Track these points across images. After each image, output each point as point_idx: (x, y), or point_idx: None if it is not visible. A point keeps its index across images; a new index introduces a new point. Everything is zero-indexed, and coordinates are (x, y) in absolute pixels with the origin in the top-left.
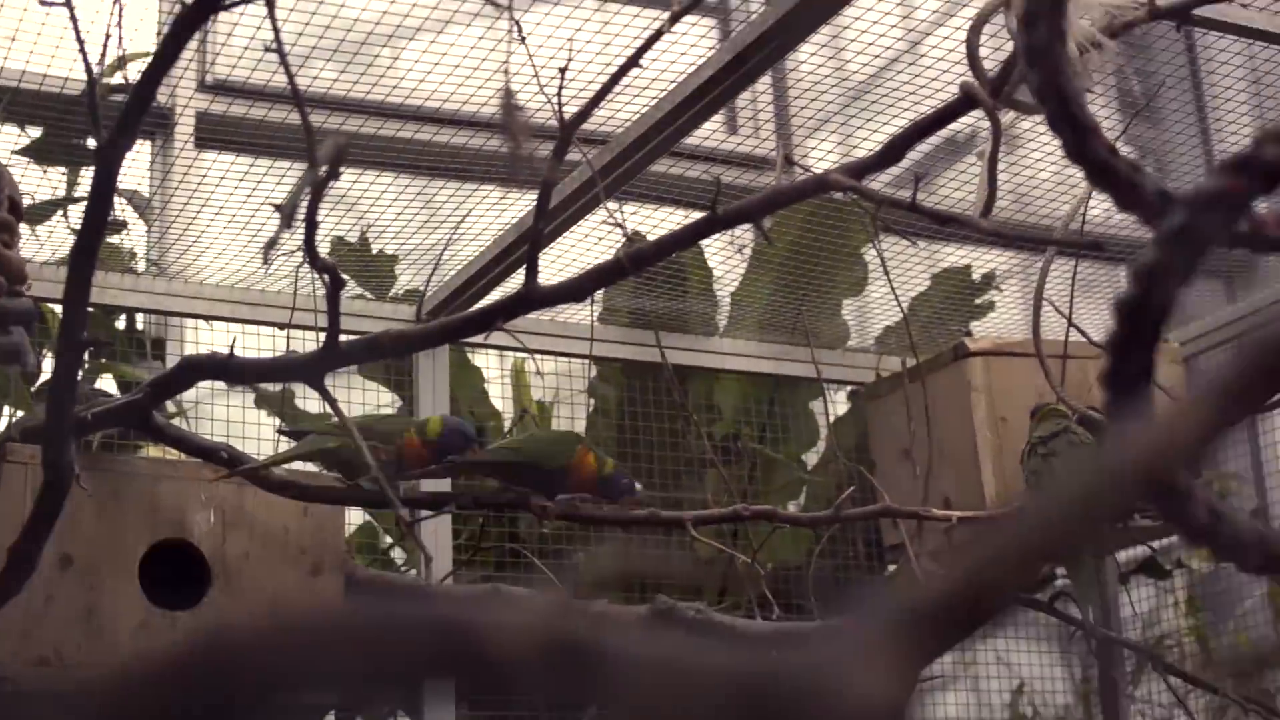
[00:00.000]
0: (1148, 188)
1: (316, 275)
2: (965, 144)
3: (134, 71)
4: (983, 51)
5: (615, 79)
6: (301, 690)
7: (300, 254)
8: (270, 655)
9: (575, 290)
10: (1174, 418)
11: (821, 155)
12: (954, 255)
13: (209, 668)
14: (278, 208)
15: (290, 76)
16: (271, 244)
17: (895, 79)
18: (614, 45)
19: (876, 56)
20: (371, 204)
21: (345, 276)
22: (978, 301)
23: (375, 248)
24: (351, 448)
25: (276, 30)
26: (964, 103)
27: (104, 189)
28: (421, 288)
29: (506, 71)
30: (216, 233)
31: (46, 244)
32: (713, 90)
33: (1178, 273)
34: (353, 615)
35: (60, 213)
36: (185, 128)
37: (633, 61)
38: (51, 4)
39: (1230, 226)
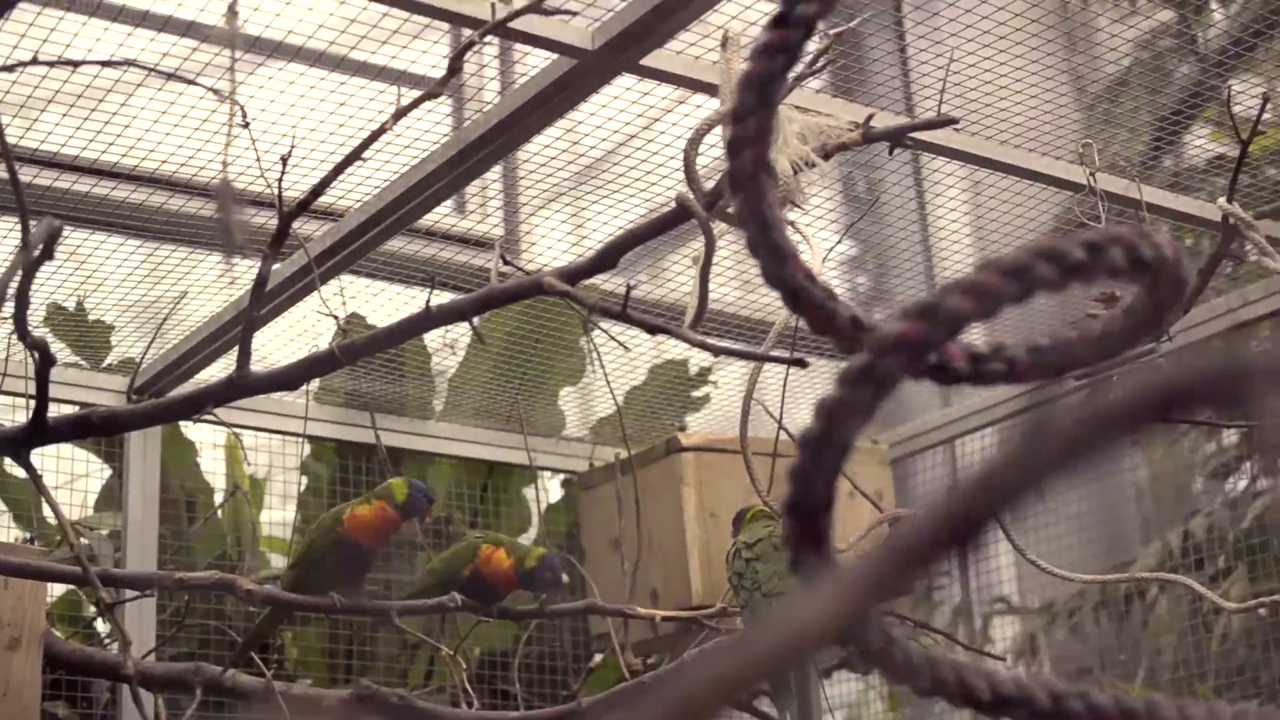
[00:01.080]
0: (841, 315)
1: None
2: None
3: None
4: (705, 161)
5: (334, 173)
6: None
7: (10, 325)
8: None
9: (287, 379)
10: (856, 574)
11: (551, 231)
12: (670, 347)
13: None
14: None
15: (3, 141)
16: None
17: (627, 159)
18: (346, 108)
19: (608, 137)
20: (87, 263)
21: (59, 345)
22: (694, 394)
23: (92, 314)
24: None
25: None
26: (679, 213)
27: None
28: (137, 358)
29: (225, 164)
30: None
31: None
32: (440, 180)
33: (861, 410)
34: None
35: None
36: None
37: (354, 156)
38: None
39: (912, 368)
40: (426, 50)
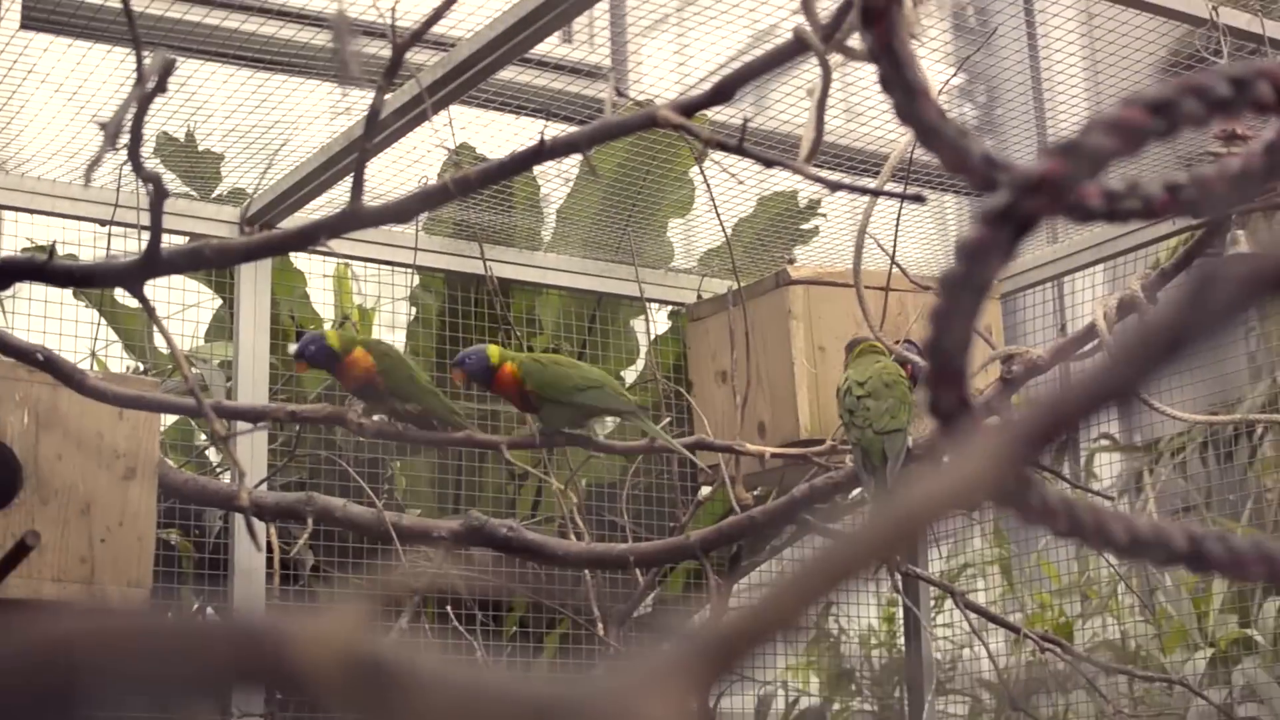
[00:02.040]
0: (973, 153)
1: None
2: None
3: None
4: None
5: (449, 2)
6: (110, 693)
7: (125, 156)
8: (78, 658)
9: (400, 212)
10: (988, 451)
11: (656, 62)
12: (781, 178)
13: (14, 665)
14: (102, 126)
15: None
16: (94, 164)
17: None
18: None
19: None
20: (197, 94)
21: (169, 176)
22: (803, 227)
23: (202, 144)
24: None
25: None
26: (795, 46)
27: None
28: (248, 188)
29: None
30: (44, 121)
31: None
32: (551, 10)
33: (1000, 250)
34: (161, 621)
35: None
36: (11, 10)
37: None
38: None
39: (1053, 207)
40: None
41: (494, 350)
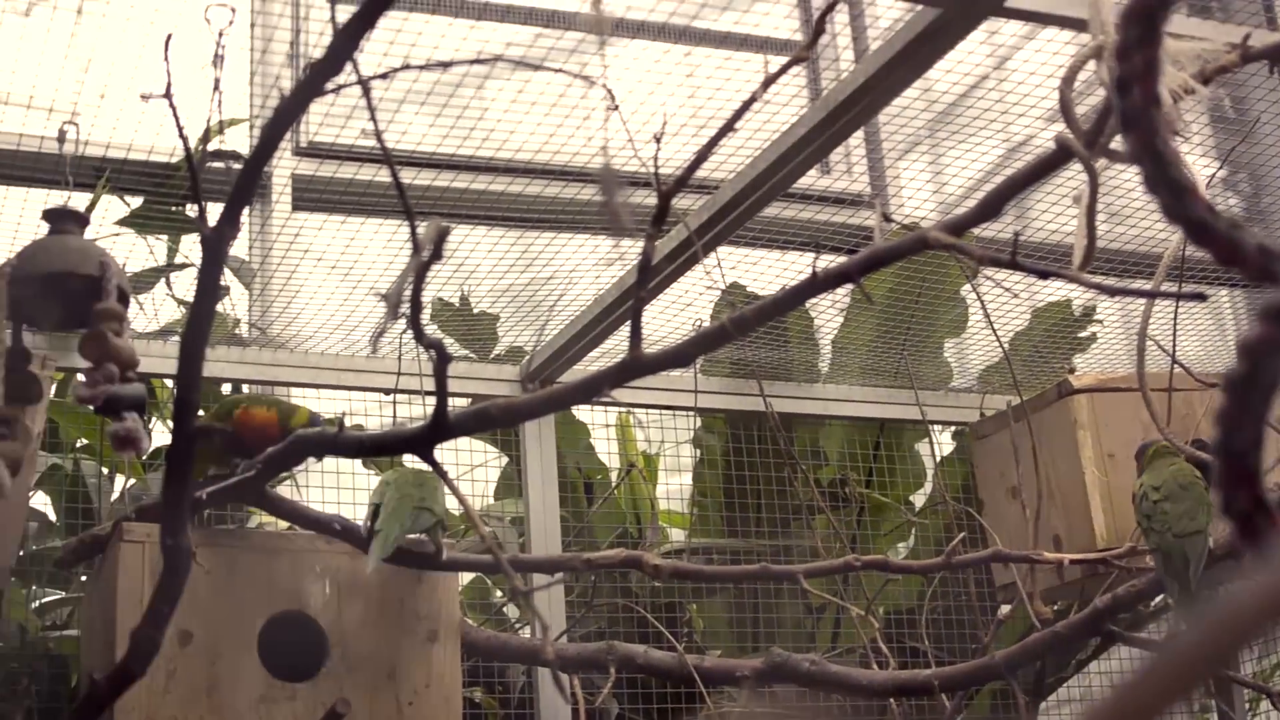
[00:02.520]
0: (1248, 245)
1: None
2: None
3: (231, 139)
4: (1073, 96)
5: (709, 146)
6: None
7: (404, 325)
8: None
9: (679, 357)
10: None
11: (913, 178)
12: (1053, 289)
13: None
14: (383, 297)
15: (384, 148)
16: (379, 335)
17: (981, 99)
18: (704, 88)
19: (965, 75)
20: (468, 259)
21: (448, 341)
22: (1080, 335)
23: (476, 307)
24: None
25: (373, 111)
26: (1060, 155)
27: (210, 277)
28: (525, 345)
29: (604, 146)
30: (323, 299)
31: (150, 315)
32: (807, 146)
33: None
34: None
35: (162, 281)
36: (283, 193)
37: (727, 128)
38: (151, 97)
39: None
40: (768, 13)
41: None
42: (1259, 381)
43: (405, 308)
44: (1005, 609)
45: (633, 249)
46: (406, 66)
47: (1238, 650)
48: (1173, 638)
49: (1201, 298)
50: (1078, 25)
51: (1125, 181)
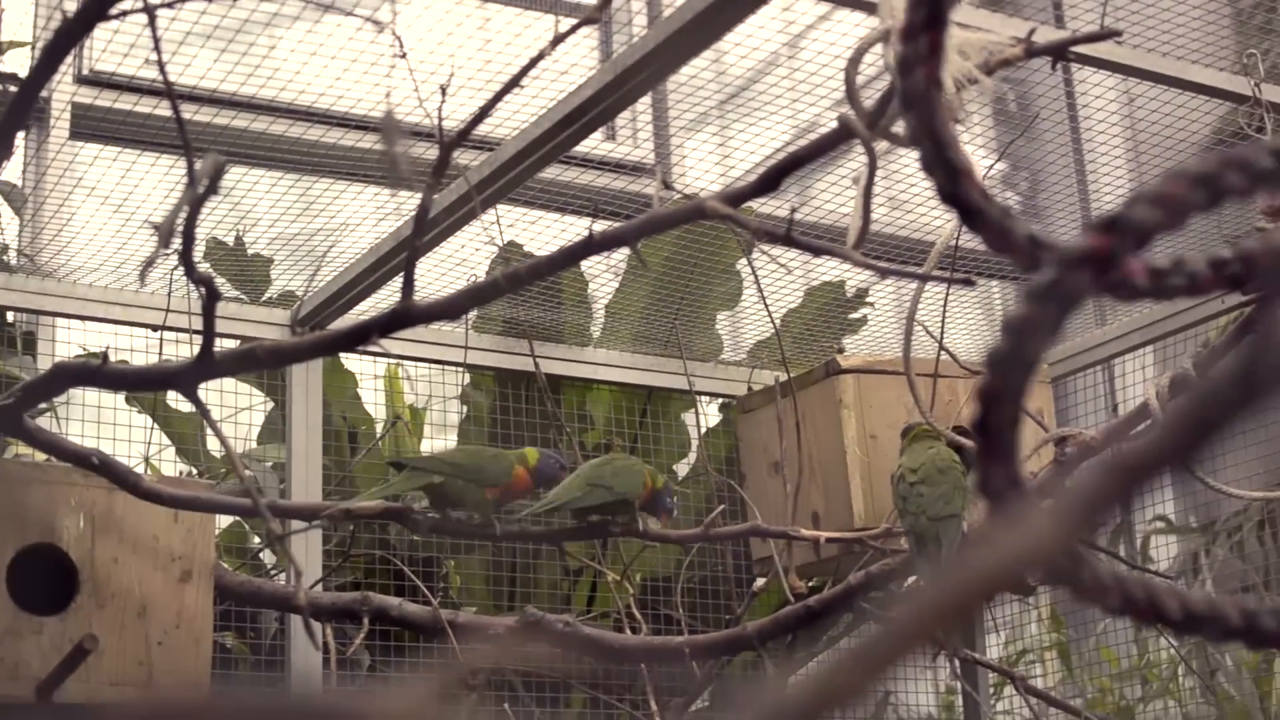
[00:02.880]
0: (1018, 233)
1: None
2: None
3: (10, 62)
4: (861, 78)
5: (494, 101)
6: None
7: (175, 260)
8: None
9: (451, 309)
10: (1040, 526)
11: (700, 156)
12: (827, 269)
13: None
14: (155, 227)
15: (165, 76)
16: (148, 265)
17: (773, 81)
18: (495, 43)
19: (757, 53)
20: (244, 199)
21: (219, 280)
22: (851, 316)
23: (251, 249)
24: (457, 483)
25: (156, 41)
26: (841, 133)
27: None
28: (297, 291)
29: (389, 94)
30: (94, 230)
31: None
32: (593, 108)
33: (1046, 327)
34: (235, 698)
35: None
36: (61, 120)
37: (512, 83)
38: None
39: (1098, 283)
40: None
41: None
42: (1020, 360)
43: (178, 241)
44: (760, 581)
45: (411, 201)
46: None
47: (968, 615)
48: (901, 603)
49: (970, 283)
50: (869, 8)
51: (906, 169)
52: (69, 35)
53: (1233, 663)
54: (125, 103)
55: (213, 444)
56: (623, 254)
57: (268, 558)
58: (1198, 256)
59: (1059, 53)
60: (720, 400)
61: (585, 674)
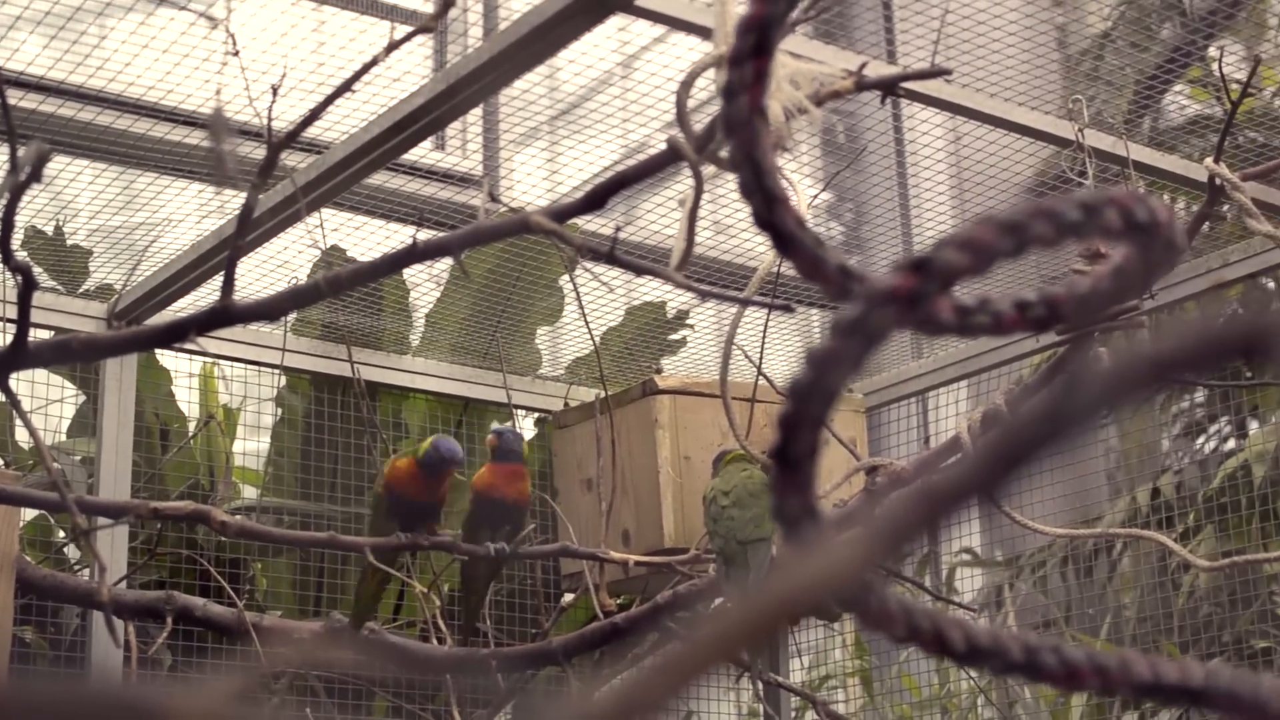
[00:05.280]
0: (830, 263)
1: (9, 273)
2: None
3: None
4: (693, 103)
5: (324, 104)
6: None
7: None
8: None
9: (271, 309)
10: (838, 552)
11: (529, 170)
12: (649, 289)
13: None
14: None
15: None
16: None
17: (605, 101)
18: (328, 46)
19: (591, 72)
20: (66, 189)
21: (37, 271)
22: (671, 338)
23: (70, 240)
24: None
25: None
26: (669, 155)
27: None
28: (115, 284)
29: (219, 90)
30: None
31: None
32: (424, 117)
33: (849, 361)
34: (33, 690)
35: None
36: None
37: (344, 87)
38: None
39: (904, 319)
40: None
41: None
42: (821, 392)
43: None
44: (569, 597)
45: (236, 200)
46: None
47: (765, 635)
48: (705, 622)
49: (789, 309)
50: (704, 33)
51: (732, 194)
52: None
53: (1031, 695)
54: None
55: (21, 435)
56: (445, 264)
57: (72, 553)
58: (1003, 297)
59: (889, 88)
60: (536, 415)
61: (389, 682)
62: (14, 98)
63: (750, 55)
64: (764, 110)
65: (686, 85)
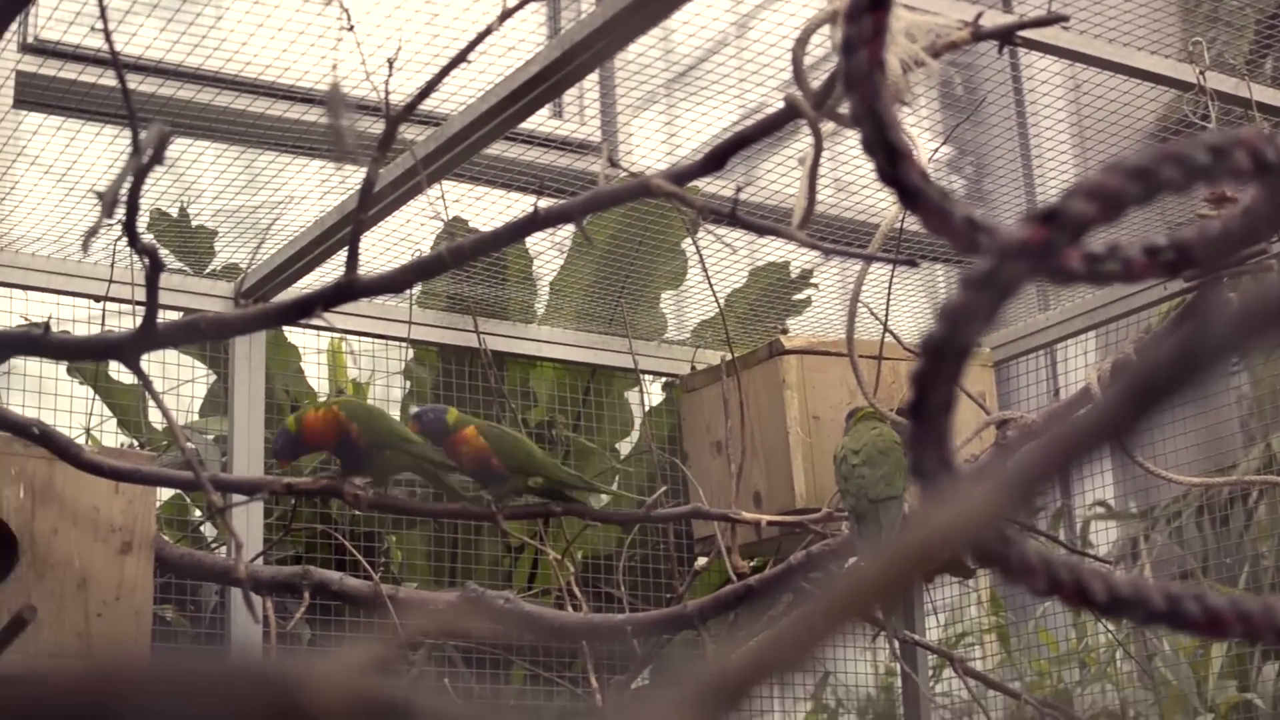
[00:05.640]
0: (957, 216)
1: (136, 255)
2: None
3: None
4: (809, 60)
5: (441, 75)
6: None
7: (120, 230)
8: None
9: (395, 282)
10: (972, 503)
11: (647, 136)
12: (772, 249)
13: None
14: (100, 196)
15: (112, 46)
16: (92, 233)
17: (721, 63)
18: (442, 16)
19: (705, 36)
20: (188, 171)
21: (164, 253)
22: (795, 297)
23: (195, 221)
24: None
25: (103, 6)
26: (787, 113)
27: None
28: (241, 263)
29: (335, 66)
30: (37, 200)
31: None
32: (541, 84)
33: (982, 315)
34: (174, 666)
35: None
36: (4, 89)
37: (460, 57)
38: None
39: (1034, 272)
40: None
41: (453, 413)
42: (955, 347)
43: (121, 211)
44: (702, 561)
45: (356, 176)
46: None
47: (903, 586)
48: (838, 579)
49: (914, 264)
50: None
51: (852, 152)
52: (13, 2)
53: (1170, 647)
54: (70, 72)
55: (154, 416)
56: (568, 231)
57: (209, 531)
58: (1133, 243)
59: (1006, 37)
60: (664, 379)
61: (525, 650)
62: (133, 82)
63: (867, 8)
64: (883, 64)
65: (802, 42)
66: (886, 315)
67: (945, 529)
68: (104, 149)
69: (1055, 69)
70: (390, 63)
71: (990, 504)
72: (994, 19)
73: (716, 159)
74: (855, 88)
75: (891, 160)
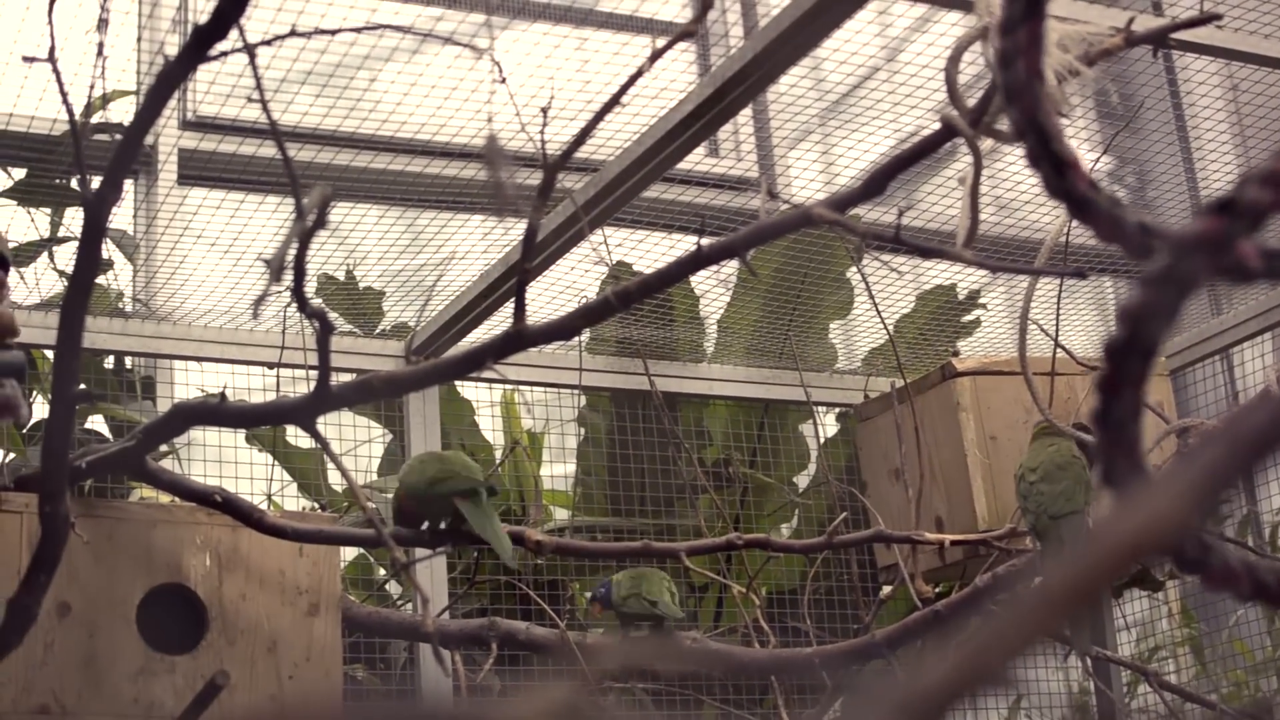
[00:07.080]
0: (1128, 222)
1: (307, 320)
2: (946, 154)
3: (115, 111)
4: (962, 79)
5: (596, 119)
6: None
7: (288, 296)
8: None
9: (564, 329)
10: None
11: (804, 168)
12: (938, 272)
13: None
14: (266, 262)
15: (269, 115)
16: (261, 299)
17: (873, 89)
18: (592, 63)
19: (857, 65)
20: (352, 234)
21: (333, 316)
22: (964, 319)
23: (362, 283)
24: None
25: (258, 79)
26: (944, 133)
27: (92, 244)
28: (409, 322)
29: (490, 119)
30: (205, 273)
31: (33, 287)
32: (695, 123)
33: (1163, 313)
34: (368, 713)
35: (45, 254)
36: (168, 166)
37: (614, 101)
38: (35, 60)
39: (1213, 266)
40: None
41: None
42: (1138, 348)
43: (289, 276)
44: (887, 589)
45: (517, 228)
46: (293, 33)
47: (1095, 595)
48: (1026, 589)
49: (1082, 275)
50: (965, 7)
51: (1012, 171)
52: (170, 78)
53: None
54: (229, 145)
55: (334, 478)
56: (732, 268)
57: (394, 588)
58: None
59: (1159, 40)
60: (837, 409)
61: (714, 688)
62: (292, 149)
63: (1021, 20)
64: (1042, 75)
65: (955, 60)
66: (1057, 330)
67: (1133, 538)
68: (268, 218)
69: (1211, 69)
70: (544, 111)
71: (1177, 508)
72: (1146, 23)
73: (877, 184)
74: (1016, 100)
75: (1058, 170)
